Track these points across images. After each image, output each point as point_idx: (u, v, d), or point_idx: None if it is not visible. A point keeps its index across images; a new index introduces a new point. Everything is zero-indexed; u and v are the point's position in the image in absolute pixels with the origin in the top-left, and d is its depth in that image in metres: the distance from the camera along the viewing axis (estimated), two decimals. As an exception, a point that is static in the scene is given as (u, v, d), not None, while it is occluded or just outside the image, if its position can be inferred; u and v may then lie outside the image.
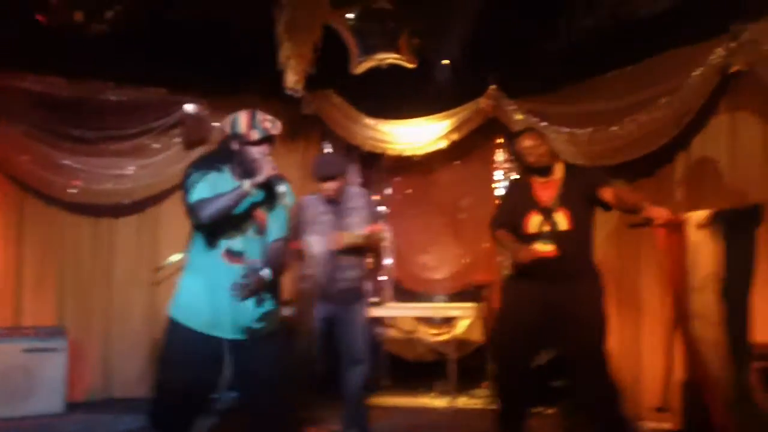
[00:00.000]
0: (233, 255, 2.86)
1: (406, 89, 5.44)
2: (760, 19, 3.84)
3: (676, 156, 4.55)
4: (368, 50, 5.00)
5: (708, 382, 3.13)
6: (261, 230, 2.92)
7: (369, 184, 6.36)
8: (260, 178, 2.78)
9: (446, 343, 5.41)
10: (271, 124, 2.86)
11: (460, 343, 5.45)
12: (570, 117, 5.01)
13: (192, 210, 2.89)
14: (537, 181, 3.66)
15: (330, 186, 3.95)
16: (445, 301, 5.94)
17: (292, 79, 5.04)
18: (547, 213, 3.56)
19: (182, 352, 2.85)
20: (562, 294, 3.47)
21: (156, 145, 5.63)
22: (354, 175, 6.29)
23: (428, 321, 5.98)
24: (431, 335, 5.92)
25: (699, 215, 2.90)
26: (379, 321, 5.83)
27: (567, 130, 5.00)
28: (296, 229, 3.90)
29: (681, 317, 3.22)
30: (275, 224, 2.98)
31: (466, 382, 5.38)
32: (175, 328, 2.87)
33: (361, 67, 5.09)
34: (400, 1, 4.83)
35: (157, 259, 5.55)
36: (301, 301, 4.29)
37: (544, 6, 4.76)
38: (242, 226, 2.90)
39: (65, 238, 5.60)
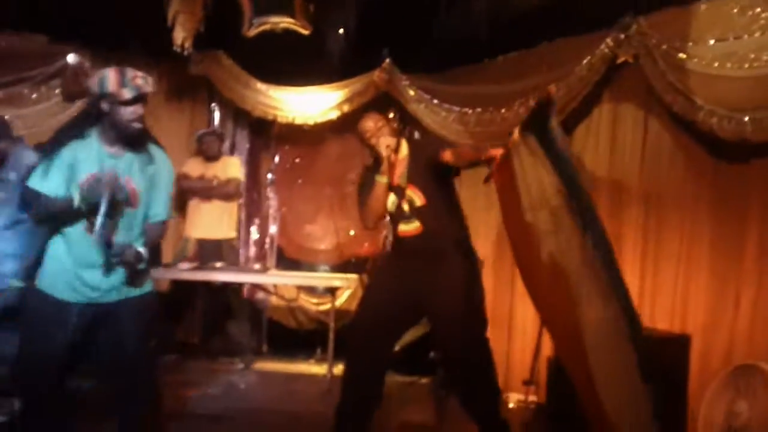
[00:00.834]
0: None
1: (300, 56, 5.25)
2: (649, 13, 3.89)
3: (559, 142, 4.70)
4: (262, 12, 4.79)
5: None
6: (132, 202, 2.71)
7: (257, 150, 6.22)
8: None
9: (327, 312, 5.30)
10: (143, 81, 2.62)
11: (340, 313, 5.33)
12: (461, 97, 4.96)
13: (22, 198, 2.79)
14: (386, 161, 3.39)
15: None
16: (328, 272, 5.87)
17: (179, 37, 4.71)
18: (400, 192, 3.37)
19: (44, 318, 2.72)
20: (430, 274, 3.29)
21: (34, 95, 5.24)
22: (242, 140, 6.19)
23: (310, 290, 5.89)
24: (313, 304, 5.87)
25: (513, 137, 2.63)
26: (261, 288, 5.75)
27: (457, 109, 4.95)
28: None
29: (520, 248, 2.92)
30: (156, 201, 2.80)
31: (344, 351, 5.44)
32: (38, 296, 2.74)
33: (254, 29, 4.87)
34: (296, -36, 4.62)
35: None
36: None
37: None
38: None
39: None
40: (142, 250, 2.69)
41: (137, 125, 2.66)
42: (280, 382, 4.99)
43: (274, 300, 5.89)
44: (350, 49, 5.24)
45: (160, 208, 2.84)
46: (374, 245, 5.76)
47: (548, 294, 2.75)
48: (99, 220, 2.52)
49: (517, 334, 4.76)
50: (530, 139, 2.57)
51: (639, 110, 4.13)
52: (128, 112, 2.63)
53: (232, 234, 5.51)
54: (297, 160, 6.22)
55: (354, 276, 5.11)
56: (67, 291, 2.71)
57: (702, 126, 3.61)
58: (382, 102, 5.44)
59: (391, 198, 3.36)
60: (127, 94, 2.60)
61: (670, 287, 3.93)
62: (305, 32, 4.82)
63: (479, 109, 4.82)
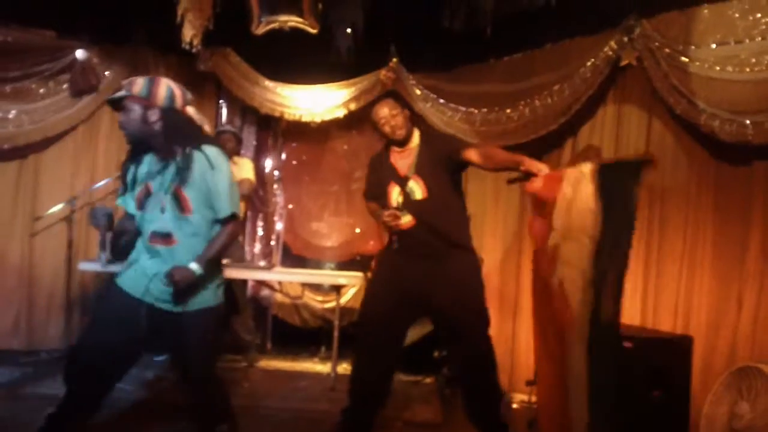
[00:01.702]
0: (160, 237, 2.79)
1: (308, 55, 5.30)
2: (653, 16, 3.96)
3: (564, 142, 4.67)
4: (270, 11, 4.89)
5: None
6: (183, 208, 2.76)
7: (264, 147, 6.28)
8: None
9: (332, 310, 5.36)
10: (123, 87, 2.79)
11: (345, 310, 5.45)
12: (467, 96, 5.04)
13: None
14: (395, 151, 3.50)
15: None
16: (334, 269, 5.93)
17: (189, 33, 4.76)
18: (403, 183, 3.38)
19: (110, 310, 2.86)
20: (428, 269, 3.30)
21: (41, 90, 5.29)
22: (249, 137, 6.21)
23: (316, 287, 5.98)
24: (318, 302, 5.95)
25: (581, 168, 2.68)
26: (266, 285, 5.82)
27: (463, 108, 5.03)
28: None
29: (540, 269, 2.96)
30: (215, 201, 2.81)
31: (349, 349, 5.49)
32: (112, 288, 2.88)
33: (262, 27, 4.96)
34: (305, -36, 4.70)
35: (35, 209, 5.30)
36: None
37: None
38: (163, 208, 2.78)
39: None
40: (195, 268, 2.74)
41: (124, 131, 2.79)
42: (284, 379, 5.03)
43: (279, 297, 5.97)
44: (357, 48, 5.24)
45: (218, 206, 2.83)
46: (380, 243, 5.85)
47: (545, 311, 2.89)
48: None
49: (521, 334, 4.84)
50: (599, 180, 2.64)
51: (642, 112, 4.20)
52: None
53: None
54: (304, 158, 6.29)
55: (359, 274, 5.18)
56: (139, 290, 2.83)
57: (704, 128, 3.68)
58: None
59: (396, 191, 3.40)
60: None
61: (673, 288, 4.00)
62: (313, 31, 4.89)
63: (485, 109, 4.90)
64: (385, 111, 3.44)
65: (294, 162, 6.32)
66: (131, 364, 2.95)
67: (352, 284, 5.42)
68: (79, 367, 2.82)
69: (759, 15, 3.51)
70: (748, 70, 3.51)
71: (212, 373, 3.03)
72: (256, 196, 6.05)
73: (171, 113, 2.79)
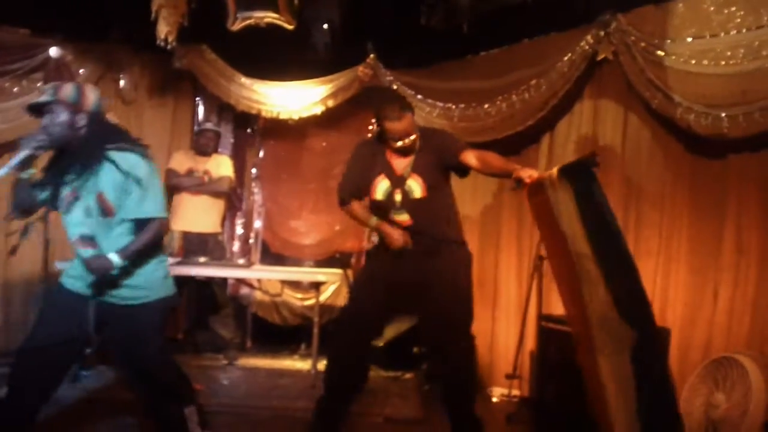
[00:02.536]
0: (86, 241, 2.85)
1: (285, 51, 5.28)
2: (628, 11, 3.99)
3: (542, 137, 4.68)
4: (246, 7, 4.84)
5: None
6: (106, 212, 2.81)
7: (241, 145, 6.23)
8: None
9: (312, 307, 5.31)
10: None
11: (325, 308, 5.43)
12: (445, 93, 5.03)
13: None
14: (392, 151, 3.38)
15: None
16: (313, 267, 5.90)
17: (163, 30, 4.70)
18: (399, 181, 3.32)
19: (55, 307, 2.93)
20: (419, 267, 3.31)
21: (15, 89, 5.19)
22: (227, 135, 6.16)
23: (295, 285, 5.95)
24: (297, 299, 5.93)
25: (552, 173, 2.77)
26: (246, 283, 5.79)
27: (441, 104, 5.01)
28: None
29: (566, 283, 3.00)
30: (131, 202, 2.83)
31: (330, 340, 5.50)
32: (57, 287, 2.97)
33: (238, 24, 4.92)
34: (280, -41, 4.68)
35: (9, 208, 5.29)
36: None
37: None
38: (87, 212, 2.82)
39: None
40: (114, 258, 2.78)
41: (46, 136, 2.78)
42: (264, 377, 5.01)
43: (258, 295, 5.94)
44: (335, 44, 5.29)
45: (143, 208, 2.86)
46: (359, 241, 5.85)
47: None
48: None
49: (500, 328, 4.86)
50: (566, 185, 2.72)
51: (619, 106, 4.22)
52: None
53: (218, 229, 5.55)
54: (282, 155, 6.25)
55: (339, 271, 5.18)
56: (83, 287, 2.90)
57: (680, 122, 3.71)
58: (367, 99, 5.53)
59: (384, 185, 3.35)
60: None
61: (649, 282, 4.00)
62: (290, 27, 4.86)
63: (463, 105, 4.89)
64: (401, 127, 3.26)
65: (272, 160, 6.27)
66: (73, 363, 3.07)
67: (332, 281, 5.40)
68: (24, 368, 2.86)
69: (734, 8, 3.53)
70: (723, 63, 3.53)
71: (169, 359, 3.12)
72: (234, 194, 6.02)
73: (97, 118, 2.85)
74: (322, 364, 4.82)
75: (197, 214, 5.38)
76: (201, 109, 6.11)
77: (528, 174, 2.93)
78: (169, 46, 4.85)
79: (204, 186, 5.34)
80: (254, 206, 6.12)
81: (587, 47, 4.17)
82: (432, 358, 3.73)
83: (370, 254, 3.74)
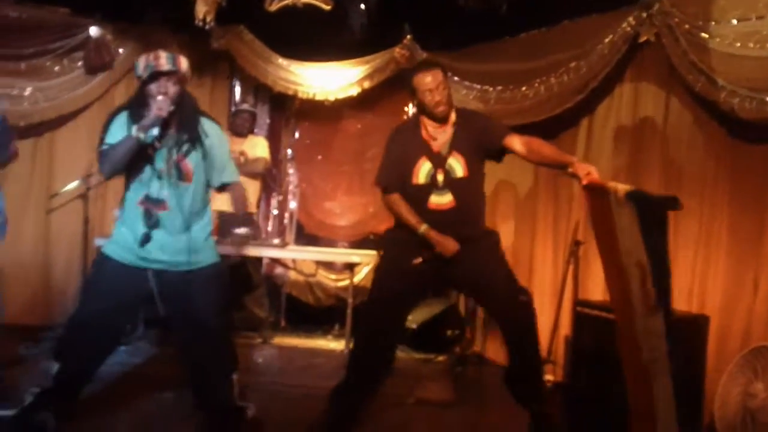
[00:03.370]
0: (152, 202, 2.96)
1: (321, 32, 5.29)
2: None
3: (580, 121, 4.63)
4: None
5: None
6: (185, 177, 2.97)
7: (277, 126, 6.31)
8: (146, 120, 2.82)
9: (345, 288, 5.43)
10: (164, 61, 2.85)
11: (359, 289, 5.46)
12: (482, 75, 5.02)
13: (97, 161, 3.03)
14: (428, 125, 3.25)
15: None
16: (347, 248, 5.97)
17: (202, 10, 4.76)
18: (439, 160, 3.18)
19: (105, 280, 3.03)
20: (464, 251, 3.17)
21: (56, 68, 5.32)
22: (263, 115, 6.24)
23: (329, 266, 6.04)
24: (331, 280, 6.02)
25: (618, 190, 2.66)
26: (280, 263, 5.89)
27: (478, 86, 5.01)
28: None
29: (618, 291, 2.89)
30: (219, 170, 3.08)
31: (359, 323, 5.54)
32: (102, 260, 3.07)
33: (276, 4, 4.96)
34: (319, -60, 4.69)
35: (51, 186, 5.36)
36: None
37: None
38: (161, 173, 2.94)
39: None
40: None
41: (160, 100, 2.84)
42: (298, 356, 5.09)
43: (293, 275, 6.02)
44: (371, 25, 5.27)
45: (226, 174, 3.12)
46: (392, 222, 5.86)
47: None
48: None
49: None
50: (631, 209, 2.63)
51: (660, 89, 4.15)
52: (151, 91, 2.89)
53: (254, 209, 5.62)
54: (317, 137, 6.31)
55: (373, 252, 5.22)
56: (129, 255, 3.00)
57: (723, 106, 3.62)
58: (401, 79, 5.53)
59: (426, 167, 3.20)
60: (145, 74, 2.88)
61: (688, 268, 3.97)
62: (326, 8, 4.88)
63: (500, 87, 4.88)
64: (429, 79, 3.16)
65: (307, 141, 6.35)
66: (121, 337, 3.23)
67: (366, 263, 5.45)
68: (74, 343, 2.99)
69: None
70: None
71: (228, 323, 3.31)
72: (269, 175, 6.07)
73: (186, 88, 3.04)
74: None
75: (233, 194, 5.42)
76: (238, 90, 6.19)
77: (585, 171, 2.79)
78: (207, 27, 4.90)
79: (240, 167, 5.39)
80: (289, 187, 6.18)
81: (629, 29, 4.10)
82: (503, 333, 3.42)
83: (397, 232, 3.44)
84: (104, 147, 2.93)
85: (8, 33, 5.12)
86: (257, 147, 5.52)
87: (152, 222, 2.96)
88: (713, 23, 3.68)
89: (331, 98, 5.72)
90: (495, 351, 4.93)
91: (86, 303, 3.11)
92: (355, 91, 5.63)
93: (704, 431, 3.56)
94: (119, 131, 2.89)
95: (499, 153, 3.26)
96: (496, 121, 3.42)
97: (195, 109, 3.08)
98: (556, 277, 4.66)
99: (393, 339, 3.44)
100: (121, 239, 3.02)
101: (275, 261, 5.88)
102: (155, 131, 2.84)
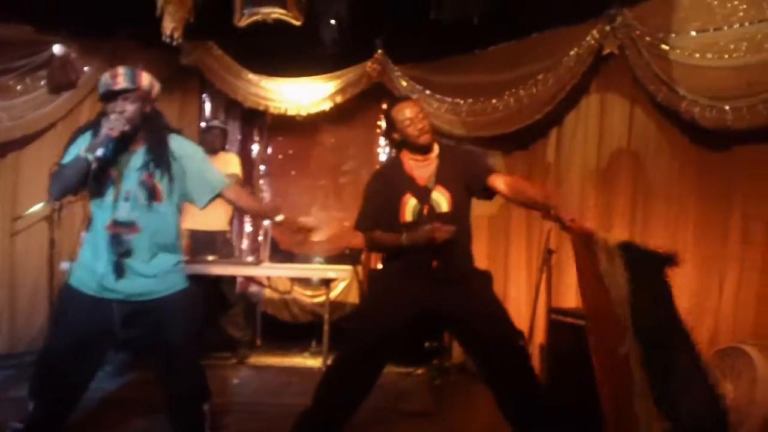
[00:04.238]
0: (121, 225, 2.89)
1: (292, 47, 5.44)
2: (634, 5, 4.19)
3: (550, 131, 4.93)
4: (253, 2, 5.02)
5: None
6: (155, 196, 2.92)
7: (249, 142, 6.48)
8: (95, 140, 2.77)
9: (322, 304, 5.54)
10: (121, 78, 2.83)
11: (335, 305, 5.65)
12: (453, 87, 5.28)
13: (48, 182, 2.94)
14: (411, 159, 3.31)
15: None
16: (323, 264, 6.11)
17: (169, 27, 4.85)
18: (425, 194, 3.21)
19: (72, 313, 2.95)
20: (451, 293, 3.16)
21: (19, 87, 5.38)
22: (234, 131, 6.38)
23: (305, 282, 6.18)
24: (307, 296, 6.17)
25: (607, 240, 2.84)
26: (255, 281, 6.00)
27: (449, 99, 5.28)
28: None
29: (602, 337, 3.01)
30: (205, 181, 3.07)
31: (340, 343, 5.60)
32: (67, 291, 2.99)
33: (245, 19, 5.12)
34: (288, -45, 4.81)
35: (15, 208, 5.38)
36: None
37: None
38: (128, 194, 2.90)
39: None
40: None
41: (112, 119, 2.82)
42: (275, 375, 5.17)
43: (268, 293, 6.16)
44: (343, 40, 5.44)
45: (212, 184, 3.12)
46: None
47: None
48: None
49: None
50: (622, 261, 2.85)
51: (625, 100, 4.45)
52: (109, 110, 2.88)
53: (226, 227, 5.76)
54: (290, 152, 6.51)
55: (349, 267, 5.38)
56: (93, 284, 2.92)
57: (685, 115, 3.91)
58: (374, 92, 5.77)
59: (412, 204, 3.23)
60: (100, 90, 2.90)
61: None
62: (297, 23, 5.06)
63: (471, 99, 5.15)
64: (408, 110, 3.25)
65: (280, 156, 6.53)
66: (99, 367, 3.09)
67: (342, 278, 5.62)
68: (47, 381, 2.92)
69: (737, 2, 3.72)
70: (726, 56, 3.72)
71: (199, 351, 3.24)
72: (243, 192, 6.24)
73: (154, 104, 3.02)
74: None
75: (204, 212, 5.39)
76: (208, 106, 6.37)
77: (570, 217, 2.90)
78: (174, 43, 5.02)
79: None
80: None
81: (593, 42, 4.40)
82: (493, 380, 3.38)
83: (380, 276, 3.57)
84: (57, 167, 2.90)
85: (-30, 52, 5.14)
86: (229, 164, 5.65)
87: (122, 249, 2.89)
88: (674, 35, 3.97)
89: (303, 113, 5.90)
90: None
91: (54, 339, 3.04)
92: (327, 105, 5.82)
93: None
94: (76, 151, 2.84)
95: (487, 192, 3.28)
96: (484, 159, 3.55)
97: (163, 126, 3.05)
98: (530, 285, 4.90)
99: (371, 383, 3.32)
100: (87, 266, 2.94)
101: (250, 279, 5.99)
102: (101, 152, 2.76)
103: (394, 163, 3.41)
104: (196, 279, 5.34)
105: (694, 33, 3.92)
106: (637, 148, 4.42)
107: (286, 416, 3.97)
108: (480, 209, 5.24)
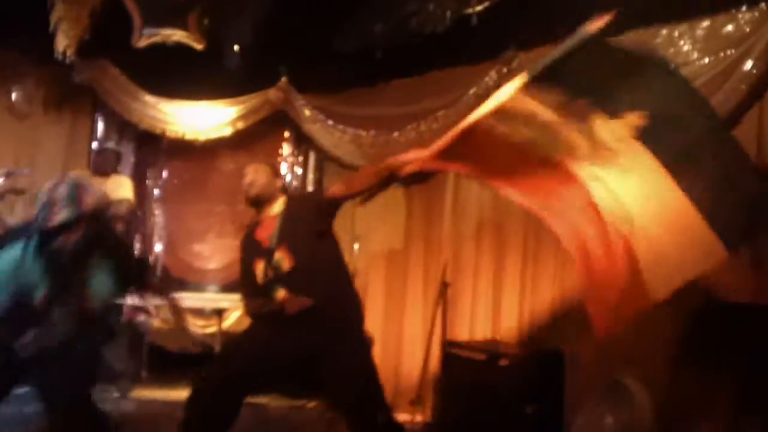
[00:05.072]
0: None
1: (193, 70, 5.53)
2: (530, 50, 4.50)
3: (450, 167, 5.29)
4: (153, 23, 5.08)
5: None
6: None
7: (143, 165, 6.44)
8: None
9: (213, 335, 5.56)
10: (59, 208, 2.95)
11: (228, 335, 5.58)
12: (356, 119, 5.47)
13: None
14: (258, 224, 3.46)
15: None
16: (217, 292, 6.09)
17: (62, 44, 4.96)
18: (269, 255, 3.31)
19: None
20: (307, 342, 3.26)
21: None
22: (127, 154, 6.32)
23: (197, 312, 6.09)
24: (199, 326, 6.10)
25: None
26: (142, 310, 5.81)
27: (352, 130, 5.45)
28: None
29: None
30: None
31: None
32: None
33: (144, 40, 5.14)
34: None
35: None
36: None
37: (339, 5, 5.13)
38: None
39: None
40: None
41: None
42: (159, 410, 5.08)
43: (156, 323, 6.05)
44: (246, 66, 5.55)
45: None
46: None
47: None
48: None
49: (406, 355, 5.26)
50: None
51: (521, 138, 4.76)
52: None
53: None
54: (187, 177, 6.49)
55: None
56: None
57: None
58: (276, 119, 5.90)
59: (261, 267, 3.34)
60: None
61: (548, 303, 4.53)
62: (199, 47, 5.16)
63: (373, 132, 5.36)
64: (247, 178, 3.45)
65: (176, 181, 6.50)
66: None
67: (235, 308, 5.61)
68: None
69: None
70: None
71: (85, 396, 3.26)
72: (134, 217, 6.21)
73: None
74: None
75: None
76: (101, 127, 6.30)
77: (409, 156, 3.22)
78: (67, 60, 5.06)
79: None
80: (155, 229, 6.32)
81: (491, 82, 4.69)
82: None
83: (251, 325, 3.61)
84: None
85: None
86: (121, 187, 5.56)
87: None
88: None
89: (202, 138, 5.94)
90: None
91: None
92: (228, 131, 5.88)
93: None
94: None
95: (334, 208, 3.44)
96: (315, 193, 3.73)
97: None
98: (426, 318, 5.04)
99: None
100: None
101: (137, 308, 5.92)
102: None
103: (251, 225, 3.55)
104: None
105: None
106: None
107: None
108: (378, 244, 5.51)
